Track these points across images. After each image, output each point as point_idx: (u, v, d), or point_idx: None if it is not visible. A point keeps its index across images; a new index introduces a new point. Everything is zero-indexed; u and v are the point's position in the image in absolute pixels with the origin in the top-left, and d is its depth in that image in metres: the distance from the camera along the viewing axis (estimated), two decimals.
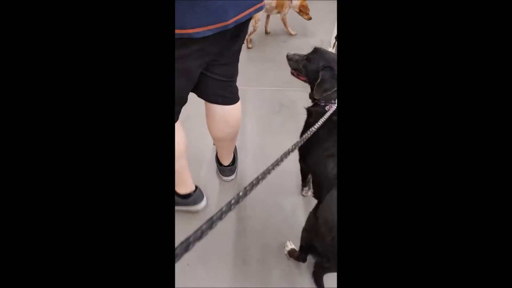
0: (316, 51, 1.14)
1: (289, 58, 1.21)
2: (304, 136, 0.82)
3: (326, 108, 1.03)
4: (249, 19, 0.96)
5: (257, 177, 0.58)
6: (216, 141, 1.40)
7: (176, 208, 1.33)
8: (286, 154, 0.68)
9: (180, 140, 1.12)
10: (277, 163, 0.63)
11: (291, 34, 2.98)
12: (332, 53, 1.13)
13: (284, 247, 1.31)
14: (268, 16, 2.93)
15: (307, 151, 1.08)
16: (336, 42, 2.49)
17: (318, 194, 1.03)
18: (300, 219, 1.33)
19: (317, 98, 1.08)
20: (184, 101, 1.06)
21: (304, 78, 1.18)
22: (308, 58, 1.14)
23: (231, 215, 1.25)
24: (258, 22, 2.63)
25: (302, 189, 1.49)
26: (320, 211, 0.92)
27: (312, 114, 1.10)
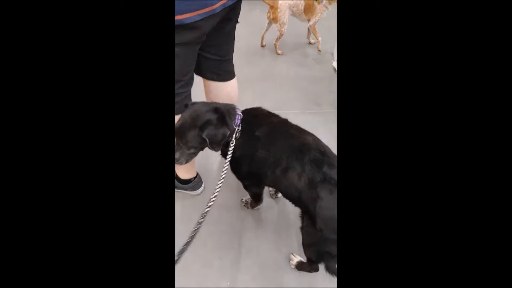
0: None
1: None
2: (217, 186, 0.92)
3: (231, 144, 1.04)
4: (239, 2, 1.11)
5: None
6: None
7: (177, 191, 1.51)
8: (205, 212, 0.88)
9: None
10: (202, 218, 0.88)
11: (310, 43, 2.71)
12: (198, 104, 1.07)
13: (289, 261, 1.28)
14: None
15: (259, 177, 1.09)
16: None
17: (296, 205, 1.06)
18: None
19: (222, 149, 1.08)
20: (190, 77, 1.15)
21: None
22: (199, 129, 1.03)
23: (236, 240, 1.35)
24: (284, 26, 2.44)
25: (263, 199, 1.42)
26: (320, 222, 0.94)
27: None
